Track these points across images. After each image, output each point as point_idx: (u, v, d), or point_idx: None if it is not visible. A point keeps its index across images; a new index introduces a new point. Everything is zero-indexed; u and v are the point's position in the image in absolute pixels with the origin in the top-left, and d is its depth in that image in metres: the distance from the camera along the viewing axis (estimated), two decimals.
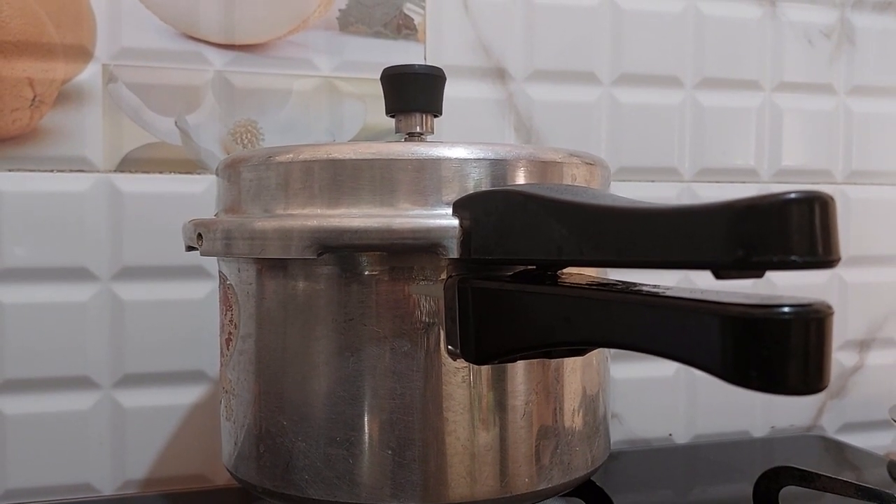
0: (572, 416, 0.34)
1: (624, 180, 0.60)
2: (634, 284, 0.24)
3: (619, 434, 0.60)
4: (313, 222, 0.30)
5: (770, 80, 0.63)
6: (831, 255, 0.19)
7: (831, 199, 0.20)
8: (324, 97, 0.54)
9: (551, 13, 0.58)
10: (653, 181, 0.61)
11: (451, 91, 0.55)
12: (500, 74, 0.57)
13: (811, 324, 0.19)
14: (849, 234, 0.65)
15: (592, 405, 0.36)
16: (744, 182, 0.63)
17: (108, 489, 0.51)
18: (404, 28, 0.55)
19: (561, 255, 0.24)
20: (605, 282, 0.25)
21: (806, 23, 0.64)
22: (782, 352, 0.19)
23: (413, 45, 0.55)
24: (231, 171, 0.35)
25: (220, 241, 0.32)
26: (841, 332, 0.66)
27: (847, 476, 0.58)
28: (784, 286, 0.62)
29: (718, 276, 0.20)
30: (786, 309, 0.19)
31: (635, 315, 0.22)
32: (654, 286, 0.24)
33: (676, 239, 0.20)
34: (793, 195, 0.19)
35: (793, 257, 0.19)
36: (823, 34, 0.64)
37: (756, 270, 0.19)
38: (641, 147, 0.60)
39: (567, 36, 0.58)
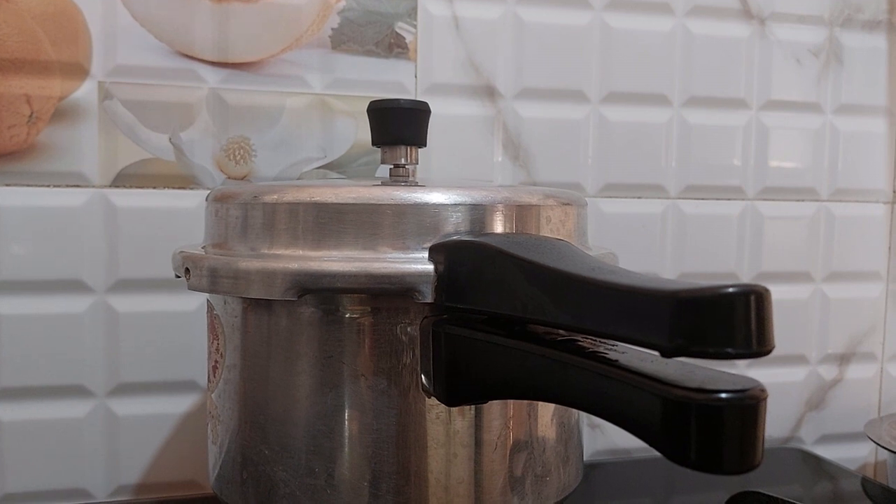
0: (544, 447, 0.36)
1: (611, 197, 0.61)
2: (596, 343, 0.26)
3: (599, 444, 0.62)
4: (295, 265, 0.31)
5: (757, 98, 0.64)
6: (765, 347, 0.21)
7: (766, 291, 0.21)
8: (316, 114, 0.55)
9: (541, 32, 0.59)
10: (639, 198, 0.62)
11: (440, 108, 0.56)
12: (489, 92, 0.58)
13: (746, 410, 0.21)
14: (832, 250, 0.67)
15: (565, 435, 0.37)
16: (729, 199, 0.64)
17: (101, 494, 0.52)
18: (396, 47, 0.56)
19: (526, 312, 0.26)
20: (569, 339, 0.26)
21: (794, 42, 0.64)
22: (718, 436, 0.20)
23: (404, 63, 0.56)
24: (219, 206, 0.36)
25: (207, 278, 0.33)
26: (822, 345, 0.67)
27: (822, 489, 0.60)
28: None
29: (664, 356, 0.21)
30: (723, 395, 0.20)
31: (589, 381, 0.24)
32: (613, 346, 0.25)
33: (625, 318, 0.22)
34: (731, 289, 0.20)
35: (728, 349, 0.20)
36: (812, 53, 0.65)
37: (696, 357, 0.20)
38: (628, 164, 0.61)
39: (556, 54, 0.59)
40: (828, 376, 0.68)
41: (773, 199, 0.65)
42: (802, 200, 0.66)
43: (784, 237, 0.65)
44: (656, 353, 0.21)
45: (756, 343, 0.20)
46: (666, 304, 0.21)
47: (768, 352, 0.21)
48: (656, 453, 0.22)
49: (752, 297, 0.20)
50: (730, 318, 0.20)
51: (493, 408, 0.34)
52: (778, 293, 0.63)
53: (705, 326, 0.20)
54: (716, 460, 0.20)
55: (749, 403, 0.21)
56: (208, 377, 0.39)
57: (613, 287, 0.22)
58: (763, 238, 0.65)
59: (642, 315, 0.21)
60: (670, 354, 0.21)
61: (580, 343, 0.26)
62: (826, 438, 0.68)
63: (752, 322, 0.20)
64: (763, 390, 0.21)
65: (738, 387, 0.21)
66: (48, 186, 0.50)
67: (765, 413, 0.21)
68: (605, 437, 0.62)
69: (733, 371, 0.23)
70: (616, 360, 0.23)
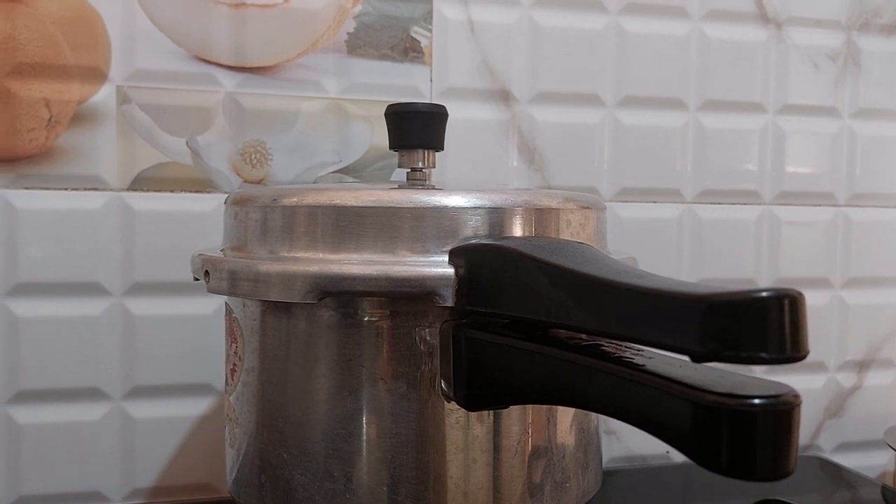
0: (564, 453, 0.36)
1: (626, 201, 0.61)
2: (621, 347, 0.25)
3: (616, 451, 0.61)
4: (314, 268, 0.31)
5: (774, 102, 0.64)
6: (799, 352, 0.20)
7: (801, 295, 0.21)
8: (331, 118, 0.55)
9: (556, 36, 0.58)
10: (655, 202, 0.61)
11: (455, 112, 0.56)
12: (504, 96, 0.58)
13: (779, 416, 0.20)
14: (850, 255, 0.66)
15: (584, 441, 0.37)
16: (745, 204, 0.63)
17: (117, 497, 0.52)
18: (411, 51, 0.56)
19: (550, 316, 0.26)
20: (592, 343, 0.26)
21: (811, 46, 0.64)
22: (751, 442, 0.20)
23: (419, 67, 0.56)
24: (238, 209, 0.36)
25: (226, 281, 0.33)
26: (841, 352, 0.67)
27: (841, 497, 0.60)
28: None
29: (694, 360, 0.21)
30: (756, 401, 0.20)
31: (615, 387, 0.23)
32: (639, 350, 0.25)
33: (655, 322, 0.21)
34: (764, 293, 0.20)
35: (762, 354, 0.20)
36: (829, 57, 0.64)
37: (728, 362, 0.20)
38: (644, 168, 0.61)
39: (571, 58, 0.59)
40: (847, 383, 0.67)
41: (791, 204, 0.65)
42: (820, 205, 0.65)
43: (801, 242, 0.65)
44: (684, 357, 0.21)
45: (790, 348, 0.20)
46: (698, 308, 0.20)
47: (802, 357, 0.20)
48: (673, 460, 0.22)
49: (787, 302, 0.20)
50: (764, 323, 0.20)
51: (513, 413, 0.33)
52: None
53: (739, 331, 0.20)
54: (748, 467, 0.20)
55: (783, 409, 0.20)
56: (226, 380, 0.39)
57: (642, 291, 0.22)
58: (780, 243, 0.64)
59: (673, 319, 0.21)
60: (702, 359, 0.20)
61: (604, 348, 0.26)
62: (845, 446, 0.67)
63: (787, 327, 0.20)
64: (797, 396, 0.21)
65: (771, 392, 0.21)
66: (66, 190, 0.51)
67: (799, 419, 0.21)
68: (622, 444, 0.61)
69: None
70: (643, 365, 0.23)
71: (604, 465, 0.61)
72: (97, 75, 0.51)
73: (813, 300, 0.65)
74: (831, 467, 0.63)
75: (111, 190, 0.51)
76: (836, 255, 0.66)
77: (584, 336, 0.27)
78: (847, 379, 0.67)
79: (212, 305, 0.53)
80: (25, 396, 0.50)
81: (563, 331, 0.28)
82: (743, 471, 0.20)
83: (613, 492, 0.57)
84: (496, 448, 0.33)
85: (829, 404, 0.67)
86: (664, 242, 0.62)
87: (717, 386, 0.21)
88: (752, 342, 0.20)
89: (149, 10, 0.51)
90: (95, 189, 0.51)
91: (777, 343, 0.20)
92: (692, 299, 0.21)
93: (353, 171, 0.55)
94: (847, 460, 0.65)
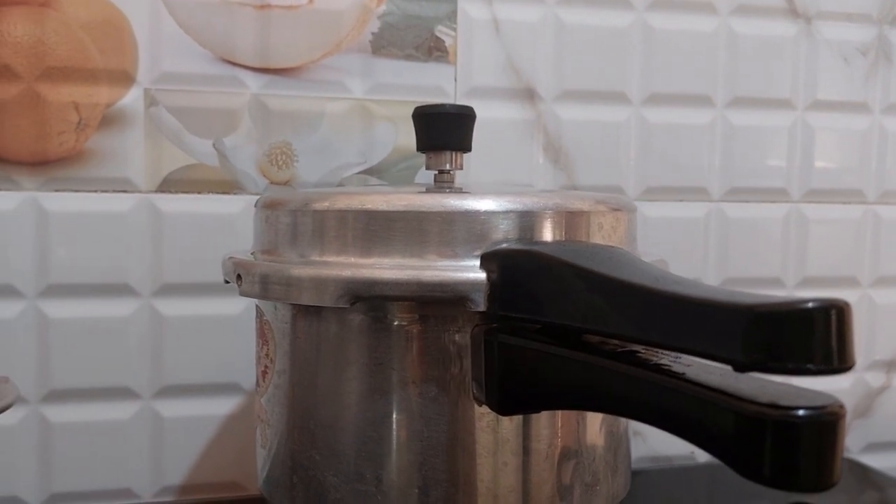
0: (594, 456, 0.35)
1: (652, 200, 0.60)
2: (656, 354, 0.25)
3: (641, 451, 0.61)
4: (347, 272, 0.31)
5: (803, 98, 0.63)
6: (846, 364, 0.20)
7: (847, 305, 0.20)
8: (356, 119, 0.55)
9: (582, 33, 0.58)
10: (681, 200, 0.61)
11: (480, 112, 0.56)
12: (529, 95, 0.57)
13: (824, 427, 0.20)
14: (879, 254, 0.65)
15: (614, 444, 0.37)
16: (774, 202, 0.63)
17: (146, 494, 0.53)
18: (435, 50, 0.56)
19: (585, 322, 0.25)
20: (629, 350, 0.26)
21: (842, 40, 0.63)
22: (795, 453, 0.20)
23: (444, 66, 0.56)
24: (269, 212, 0.36)
25: (259, 285, 0.34)
26: (869, 351, 0.66)
27: (869, 499, 0.59)
28: None
29: (736, 370, 0.21)
30: (801, 412, 0.20)
31: (653, 394, 0.23)
32: (676, 358, 0.25)
33: (697, 331, 0.21)
34: (811, 304, 0.20)
35: (809, 366, 0.19)
36: (860, 52, 0.63)
37: (772, 373, 0.20)
38: (670, 167, 0.60)
39: (597, 56, 0.58)
40: (875, 383, 0.66)
41: (819, 202, 0.64)
42: (849, 203, 0.64)
43: (830, 241, 0.64)
44: (725, 366, 0.21)
45: (837, 360, 0.20)
46: (742, 317, 0.20)
47: (849, 368, 0.20)
48: (697, 461, 0.22)
49: (833, 312, 0.20)
50: (810, 334, 0.20)
51: (543, 416, 0.33)
52: None
53: (784, 341, 0.20)
54: (792, 478, 0.20)
55: (827, 420, 0.20)
56: (257, 381, 0.39)
57: (684, 299, 0.22)
58: (808, 242, 0.64)
59: (715, 328, 0.21)
60: (745, 369, 0.20)
61: (641, 354, 0.25)
62: (873, 447, 0.66)
63: (833, 338, 0.20)
64: (842, 406, 0.21)
65: (816, 403, 0.20)
66: (96, 192, 0.51)
67: (843, 430, 0.21)
68: (647, 445, 0.61)
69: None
70: (683, 374, 0.23)
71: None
72: (125, 78, 0.51)
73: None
74: (858, 468, 0.62)
75: (140, 192, 0.52)
76: (865, 253, 0.65)
77: (617, 342, 0.27)
78: (875, 379, 0.66)
79: (239, 306, 0.53)
80: (57, 396, 0.51)
81: (595, 336, 0.28)
82: (786, 482, 0.20)
83: (639, 492, 0.57)
84: (526, 451, 0.33)
85: (857, 404, 0.66)
86: (690, 241, 0.61)
87: (760, 396, 0.21)
88: (798, 353, 0.19)
89: (175, 13, 0.51)
90: (124, 191, 0.52)
91: (824, 354, 0.20)
92: (736, 309, 0.20)
93: (378, 172, 0.55)
94: (875, 461, 0.64)
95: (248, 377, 0.54)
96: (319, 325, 0.34)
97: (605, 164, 0.59)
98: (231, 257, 0.37)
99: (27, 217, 0.50)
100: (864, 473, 0.61)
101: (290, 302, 0.34)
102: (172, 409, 0.53)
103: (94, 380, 0.52)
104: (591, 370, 0.25)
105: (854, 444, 0.66)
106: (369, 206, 0.33)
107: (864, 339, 0.65)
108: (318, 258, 0.34)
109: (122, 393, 0.52)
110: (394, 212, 0.32)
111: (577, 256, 0.27)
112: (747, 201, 0.62)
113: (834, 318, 0.20)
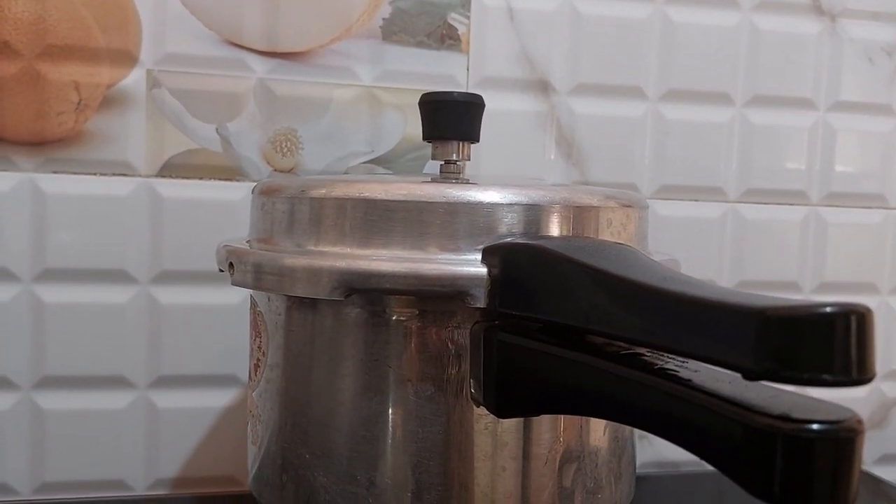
0: (597, 462, 0.34)
1: (667, 199, 0.58)
2: (662, 358, 0.24)
3: (647, 456, 0.59)
4: (342, 264, 0.30)
5: (825, 98, 0.61)
6: (866, 374, 0.18)
7: (869, 311, 0.19)
8: (364, 107, 0.53)
9: (598, 25, 0.56)
10: (696, 200, 0.59)
11: (491, 103, 0.54)
12: (543, 87, 0.56)
13: (840, 444, 0.19)
14: None
15: (618, 449, 0.35)
16: (791, 204, 0.61)
17: (140, 487, 0.52)
18: (448, 38, 0.54)
19: (588, 322, 0.24)
20: (632, 352, 0.24)
21: (867, 40, 0.61)
22: (807, 471, 0.18)
23: (456, 55, 0.54)
24: (265, 199, 0.35)
25: (251, 274, 0.32)
26: (886, 360, 0.64)
27: None
28: None
29: (746, 378, 0.19)
30: (815, 427, 0.18)
31: (656, 401, 0.22)
32: (683, 363, 0.23)
33: (705, 334, 0.20)
34: (829, 309, 0.18)
35: (825, 376, 0.18)
36: (885, 52, 0.61)
37: (785, 383, 0.18)
38: (686, 165, 0.59)
39: (614, 48, 0.57)
40: (891, 393, 0.64)
41: (839, 206, 0.62)
42: (870, 207, 0.62)
43: (849, 245, 0.62)
44: (735, 374, 0.19)
45: (857, 370, 0.18)
46: (753, 321, 0.18)
47: (869, 380, 0.18)
48: (705, 467, 0.20)
49: (854, 318, 0.18)
50: (828, 342, 0.18)
51: (544, 419, 0.32)
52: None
53: (799, 349, 0.18)
54: (803, 498, 0.18)
55: (844, 436, 0.18)
56: (249, 375, 0.38)
57: (692, 300, 0.20)
58: (826, 246, 0.62)
59: (725, 332, 0.19)
60: (755, 378, 0.19)
61: (645, 358, 0.24)
62: (887, 458, 0.64)
63: (853, 346, 0.18)
64: (860, 422, 0.19)
65: (832, 417, 0.19)
66: (95, 175, 0.50)
67: (861, 447, 0.19)
68: (653, 449, 0.59)
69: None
70: (689, 380, 0.21)
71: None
72: (127, 58, 0.50)
73: None
74: (871, 481, 0.60)
75: (140, 176, 0.51)
76: (885, 259, 0.63)
77: (622, 344, 0.26)
78: (892, 388, 0.64)
79: (239, 296, 0.52)
80: (50, 382, 0.50)
81: (599, 337, 0.26)
82: (798, 501, 0.18)
83: (644, 498, 0.55)
84: (526, 456, 0.32)
85: (871, 414, 0.64)
86: (705, 242, 0.59)
87: (771, 407, 0.19)
88: (815, 362, 0.18)
89: None
90: (124, 174, 0.50)
91: (842, 364, 0.18)
92: (747, 312, 0.19)
93: (385, 162, 0.54)
94: (889, 473, 0.62)
95: (246, 369, 0.52)
96: (314, 318, 0.33)
97: (618, 161, 0.57)
98: (225, 245, 0.36)
99: (24, 199, 0.49)
100: (878, 486, 0.59)
101: (282, 293, 0.32)
102: (168, 399, 0.52)
103: (89, 367, 0.51)
104: (593, 373, 0.24)
105: (867, 455, 0.64)
106: (368, 194, 0.31)
107: (882, 348, 0.63)
108: (313, 248, 0.32)
109: (116, 382, 0.51)
110: (393, 201, 0.31)
111: (582, 253, 0.26)
112: (765, 203, 0.60)
113: (854, 324, 0.18)
